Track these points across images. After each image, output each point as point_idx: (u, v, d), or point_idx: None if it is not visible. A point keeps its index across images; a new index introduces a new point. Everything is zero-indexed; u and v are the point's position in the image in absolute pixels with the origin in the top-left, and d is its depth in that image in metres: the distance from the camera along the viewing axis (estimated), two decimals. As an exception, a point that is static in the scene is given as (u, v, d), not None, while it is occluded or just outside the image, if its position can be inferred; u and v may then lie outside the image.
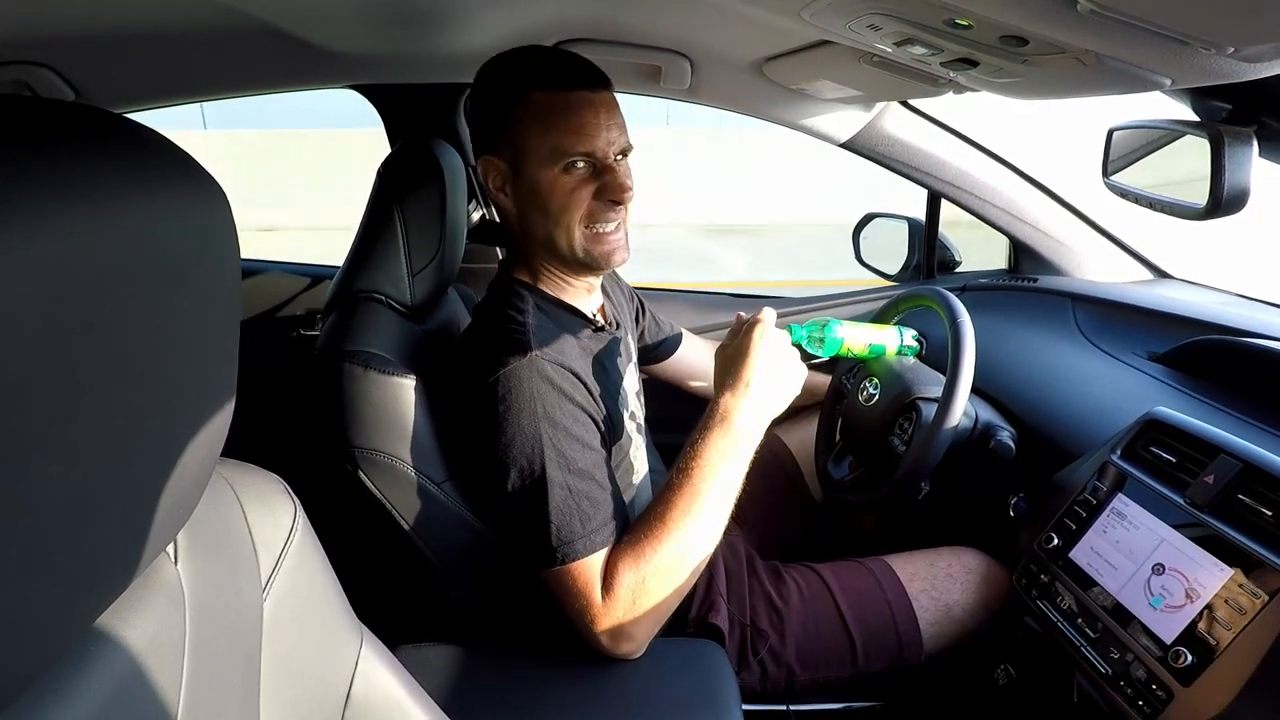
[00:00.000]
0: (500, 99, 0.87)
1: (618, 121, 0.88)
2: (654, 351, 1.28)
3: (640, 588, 0.81)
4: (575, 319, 0.94)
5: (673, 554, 0.82)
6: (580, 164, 0.86)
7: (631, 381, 1.04)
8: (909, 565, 1.06)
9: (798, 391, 0.90)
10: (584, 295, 0.97)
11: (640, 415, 1.05)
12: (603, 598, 0.81)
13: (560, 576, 0.82)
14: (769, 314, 0.89)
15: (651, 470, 1.07)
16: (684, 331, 1.34)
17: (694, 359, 1.33)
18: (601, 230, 0.89)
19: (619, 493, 0.88)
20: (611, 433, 0.91)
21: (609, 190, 0.87)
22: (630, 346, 1.07)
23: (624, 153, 0.89)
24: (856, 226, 1.66)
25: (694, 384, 1.35)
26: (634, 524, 0.85)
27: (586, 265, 0.91)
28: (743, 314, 0.93)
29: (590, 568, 0.81)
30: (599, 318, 0.98)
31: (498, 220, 1.64)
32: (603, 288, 1.04)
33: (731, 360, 0.88)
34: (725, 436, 0.85)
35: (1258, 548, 0.70)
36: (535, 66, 0.87)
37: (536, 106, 0.85)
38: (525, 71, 0.87)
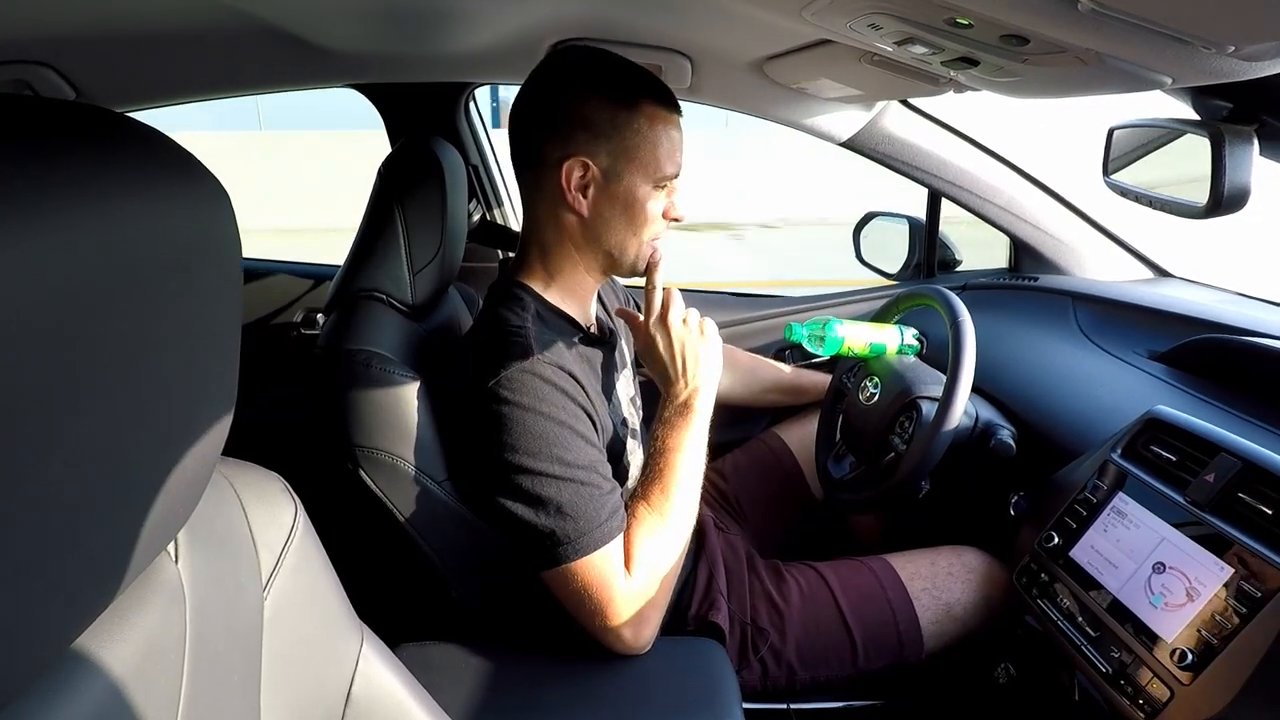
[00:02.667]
0: (614, 104, 0.86)
1: None
2: None
3: (655, 566, 0.86)
4: (572, 327, 0.94)
5: (675, 526, 0.88)
6: (669, 184, 0.91)
7: (627, 388, 1.04)
8: (909, 564, 1.06)
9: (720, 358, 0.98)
10: (587, 304, 0.98)
11: (635, 420, 1.05)
12: (624, 582, 0.83)
13: (575, 571, 0.82)
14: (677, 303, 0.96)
15: None
16: None
17: None
18: (654, 244, 0.94)
19: (618, 489, 0.88)
20: (608, 439, 0.92)
21: (674, 209, 0.93)
22: (625, 352, 1.08)
23: None
24: (857, 226, 1.66)
25: None
26: (633, 508, 0.88)
27: (634, 273, 0.95)
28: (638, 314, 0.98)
29: (608, 557, 0.83)
30: (594, 328, 0.99)
31: (498, 223, 1.65)
32: (599, 296, 1.05)
33: (668, 355, 0.95)
34: (692, 418, 0.93)
35: (1258, 546, 0.70)
36: (647, 80, 0.89)
37: (651, 120, 0.87)
38: (640, 82, 0.88)
